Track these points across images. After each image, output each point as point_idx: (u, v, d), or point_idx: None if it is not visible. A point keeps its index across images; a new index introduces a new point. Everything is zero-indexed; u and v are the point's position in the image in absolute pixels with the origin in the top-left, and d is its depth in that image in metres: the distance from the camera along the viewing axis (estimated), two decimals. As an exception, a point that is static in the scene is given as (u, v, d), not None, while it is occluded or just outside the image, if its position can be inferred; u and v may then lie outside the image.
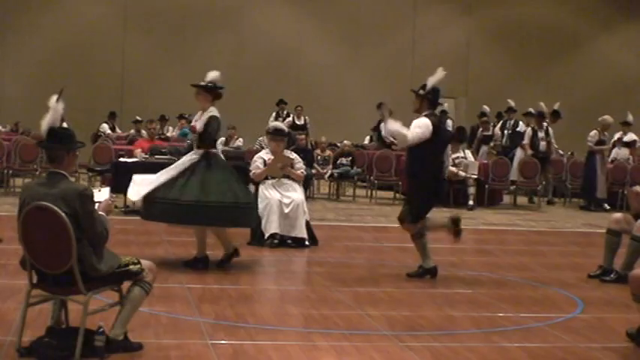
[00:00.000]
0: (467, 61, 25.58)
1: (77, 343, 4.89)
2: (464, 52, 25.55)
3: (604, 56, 26.08)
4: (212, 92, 8.43)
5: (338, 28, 24.86)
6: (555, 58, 25.89)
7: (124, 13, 23.86)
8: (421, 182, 8.26)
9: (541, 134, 16.95)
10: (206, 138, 8.30)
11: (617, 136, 19.88)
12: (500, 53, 25.70)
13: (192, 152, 8.39)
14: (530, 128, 17.46)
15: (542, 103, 17.31)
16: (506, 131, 18.32)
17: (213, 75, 8.47)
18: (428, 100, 8.20)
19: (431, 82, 8.19)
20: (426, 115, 8.15)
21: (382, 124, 8.91)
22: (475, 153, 18.49)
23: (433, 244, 11.30)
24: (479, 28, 25.74)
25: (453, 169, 16.08)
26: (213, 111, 8.37)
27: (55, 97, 5.25)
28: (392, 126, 8.20)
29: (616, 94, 24.91)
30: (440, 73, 8.22)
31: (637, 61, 26.10)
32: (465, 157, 16.39)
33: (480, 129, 19.61)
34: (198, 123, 8.37)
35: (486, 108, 19.56)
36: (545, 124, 17.11)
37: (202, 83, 8.47)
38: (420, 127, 8.09)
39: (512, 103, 18.76)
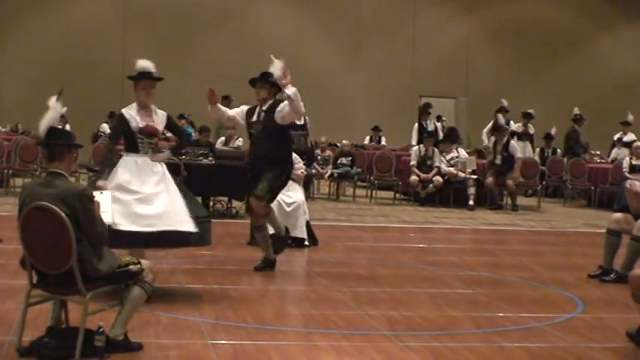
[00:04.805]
0: (467, 61, 25.58)
1: (77, 343, 4.89)
2: (464, 52, 25.55)
3: (604, 56, 26.07)
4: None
5: (338, 28, 24.86)
6: (555, 58, 25.88)
7: (124, 13, 23.86)
8: (287, 163, 8.37)
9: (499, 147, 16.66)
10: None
11: (617, 136, 19.91)
12: (500, 53, 25.70)
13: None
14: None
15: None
16: None
17: (145, 63, 7.10)
18: (277, 88, 8.26)
19: (275, 70, 8.17)
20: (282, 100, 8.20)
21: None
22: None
23: (434, 244, 11.33)
24: (479, 28, 25.74)
25: (452, 170, 16.08)
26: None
27: (54, 98, 5.26)
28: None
29: (616, 94, 24.91)
30: (278, 63, 8.18)
31: (637, 61, 26.09)
32: (459, 156, 16.38)
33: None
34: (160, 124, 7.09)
35: (504, 102, 19.09)
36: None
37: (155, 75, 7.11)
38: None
39: (505, 103, 18.67)
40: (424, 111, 17.90)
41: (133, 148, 6.92)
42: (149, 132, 6.92)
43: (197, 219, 6.82)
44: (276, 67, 8.20)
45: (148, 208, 6.62)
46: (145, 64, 7.03)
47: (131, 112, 6.97)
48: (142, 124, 6.91)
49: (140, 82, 7.00)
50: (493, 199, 16.15)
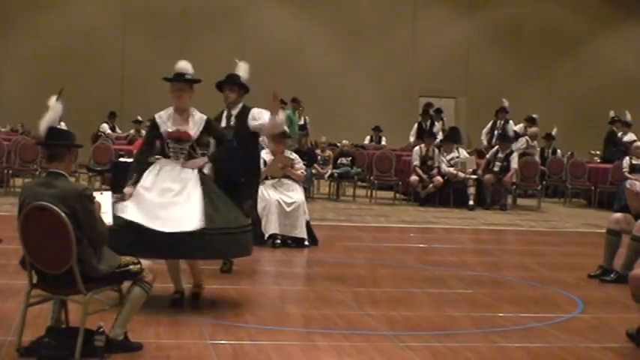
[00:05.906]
0: (467, 61, 25.57)
1: (77, 343, 4.89)
2: (464, 52, 25.54)
3: (604, 56, 26.06)
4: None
5: (338, 28, 24.85)
6: (555, 58, 25.87)
7: (124, 13, 23.85)
8: (259, 171, 8.32)
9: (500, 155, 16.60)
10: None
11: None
12: (500, 53, 25.69)
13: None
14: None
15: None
16: (496, 131, 18.06)
17: (181, 64, 6.79)
18: (245, 90, 8.01)
19: (242, 72, 7.98)
20: (252, 107, 7.90)
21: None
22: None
23: (434, 244, 11.33)
24: (479, 28, 25.73)
25: (452, 170, 16.08)
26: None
27: (54, 97, 5.27)
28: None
29: (616, 94, 24.89)
30: (244, 66, 7.98)
31: (637, 61, 26.09)
32: (459, 156, 16.36)
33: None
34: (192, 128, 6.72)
35: (505, 102, 18.96)
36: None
37: (188, 77, 6.75)
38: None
39: (506, 103, 18.60)
40: (426, 111, 17.86)
41: (164, 154, 6.71)
42: (177, 137, 6.62)
43: (228, 229, 6.44)
44: (242, 69, 8.02)
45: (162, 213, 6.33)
46: (180, 64, 6.75)
47: (162, 116, 6.74)
48: (171, 128, 6.64)
49: (172, 84, 6.70)
50: (491, 198, 16.16)
